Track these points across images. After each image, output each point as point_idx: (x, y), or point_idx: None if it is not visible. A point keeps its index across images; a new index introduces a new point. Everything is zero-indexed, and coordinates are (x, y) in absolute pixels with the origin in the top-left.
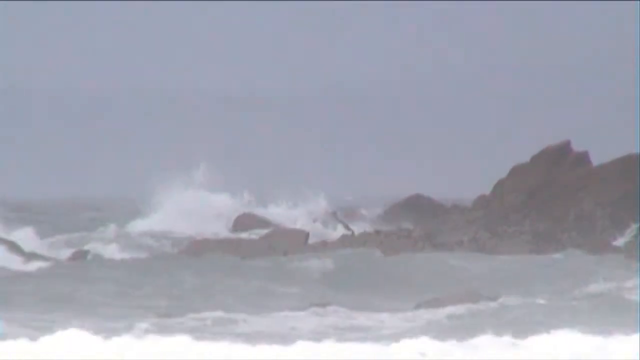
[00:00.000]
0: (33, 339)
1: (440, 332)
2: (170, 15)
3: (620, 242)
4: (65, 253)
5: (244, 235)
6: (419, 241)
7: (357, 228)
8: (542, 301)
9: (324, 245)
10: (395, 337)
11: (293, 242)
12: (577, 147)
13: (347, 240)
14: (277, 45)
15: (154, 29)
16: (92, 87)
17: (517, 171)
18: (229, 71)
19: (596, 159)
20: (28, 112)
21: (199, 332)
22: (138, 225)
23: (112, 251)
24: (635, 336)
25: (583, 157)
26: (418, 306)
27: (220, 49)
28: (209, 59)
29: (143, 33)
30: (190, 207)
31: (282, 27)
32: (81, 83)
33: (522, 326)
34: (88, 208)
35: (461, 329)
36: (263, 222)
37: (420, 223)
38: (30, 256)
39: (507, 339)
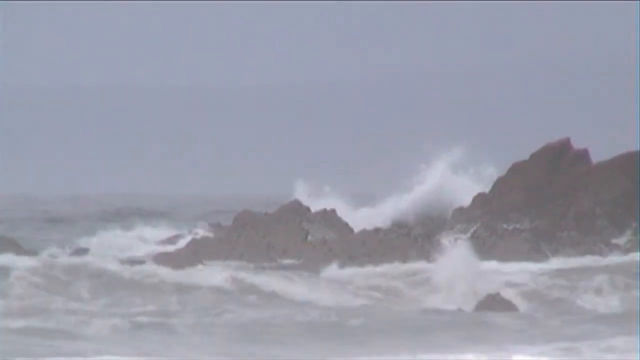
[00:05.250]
0: None
1: None
2: (174, 15)
3: (620, 240)
4: None
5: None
6: (418, 239)
7: (356, 225)
8: None
9: (324, 243)
10: None
11: (292, 240)
12: (576, 144)
13: (346, 238)
14: (277, 44)
15: (155, 28)
16: (99, 83)
17: (516, 169)
18: (229, 69)
19: (596, 157)
20: (34, 110)
21: None
22: None
23: None
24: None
25: (582, 155)
26: None
27: (220, 47)
28: (210, 57)
29: (144, 32)
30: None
31: (282, 26)
32: (87, 80)
33: None
34: None
35: None
36: (263, 219)
37: (419, 221)
38: None
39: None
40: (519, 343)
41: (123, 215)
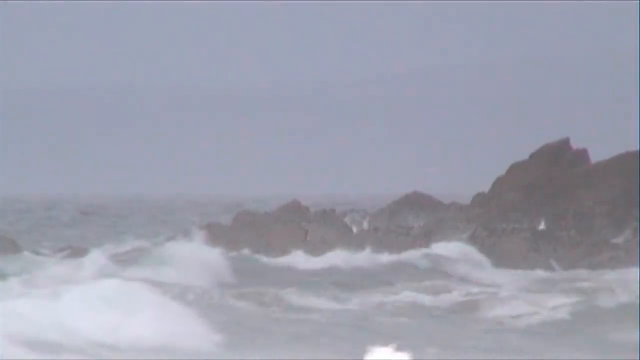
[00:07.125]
0: None
1: None
2: (178, 16)
3: (619, 240)
4: None
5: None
6: (417, 239)
7: (356, 225)
8: None
9: (323, 243)
10: None
11: (292, 240)
12: (576, 145)
13: (346, 238)
14: (279, 44)
15: (158, 29)
16: (104, 84)
17: (516, 169)
18: (230, 69)
19: (595, 157)
20: (37, 111)
21: None
22: None
23: None
24: None
25: (582, 155)
26: None
27: (222, 47)
28: (212, 57)
29: (146, 33)
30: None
31: (284, 27)
32: (92, 81)
33: None
34: None
35: None
36: (263, 219)
37: (419, 221)
38: None
39: None
40: None
41: (120, 214)
